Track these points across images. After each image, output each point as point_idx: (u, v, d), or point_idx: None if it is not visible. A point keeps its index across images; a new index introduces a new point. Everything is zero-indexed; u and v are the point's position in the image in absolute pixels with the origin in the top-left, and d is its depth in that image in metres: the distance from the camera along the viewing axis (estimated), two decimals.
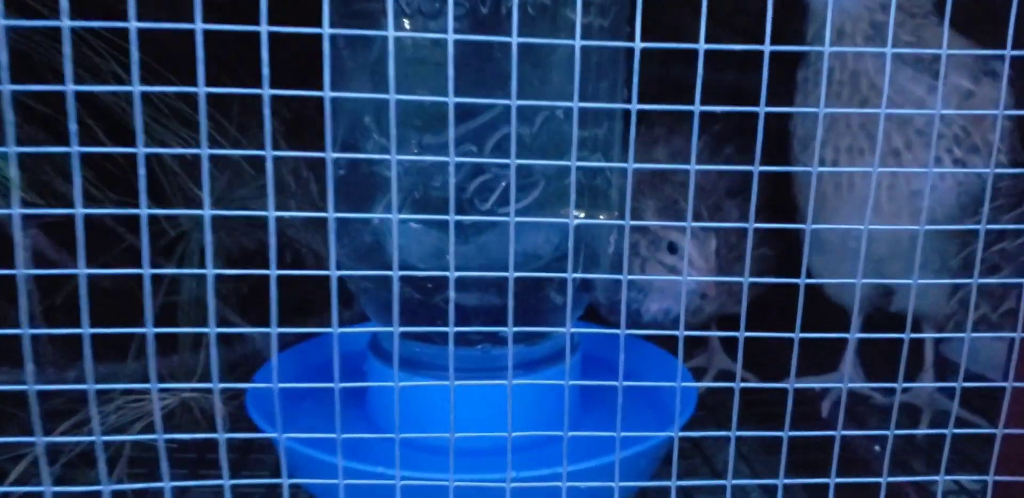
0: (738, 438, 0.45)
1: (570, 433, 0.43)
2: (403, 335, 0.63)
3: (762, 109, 0.38)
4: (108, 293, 0.58)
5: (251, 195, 0.68)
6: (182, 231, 0.66)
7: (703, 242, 0.69)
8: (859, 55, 0.67)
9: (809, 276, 0.80)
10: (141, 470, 0.64)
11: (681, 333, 0.42)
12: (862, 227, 0.40)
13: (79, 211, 0.39)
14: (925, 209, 0.38)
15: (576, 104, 0.39)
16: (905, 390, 0.76)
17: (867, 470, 0.69)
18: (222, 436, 0.43)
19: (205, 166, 0.39)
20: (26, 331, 0.39)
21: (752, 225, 0.40)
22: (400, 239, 0.62)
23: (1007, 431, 0.45)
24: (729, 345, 0.88)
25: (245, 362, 0.74)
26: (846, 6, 0.66)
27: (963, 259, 0.72)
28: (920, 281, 0.42)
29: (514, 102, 0.39)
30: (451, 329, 0.42)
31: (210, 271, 0.41)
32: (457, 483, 0.44)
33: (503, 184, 0.57)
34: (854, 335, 0.41)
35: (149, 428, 0.64)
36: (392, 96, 0.39)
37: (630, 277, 0.43)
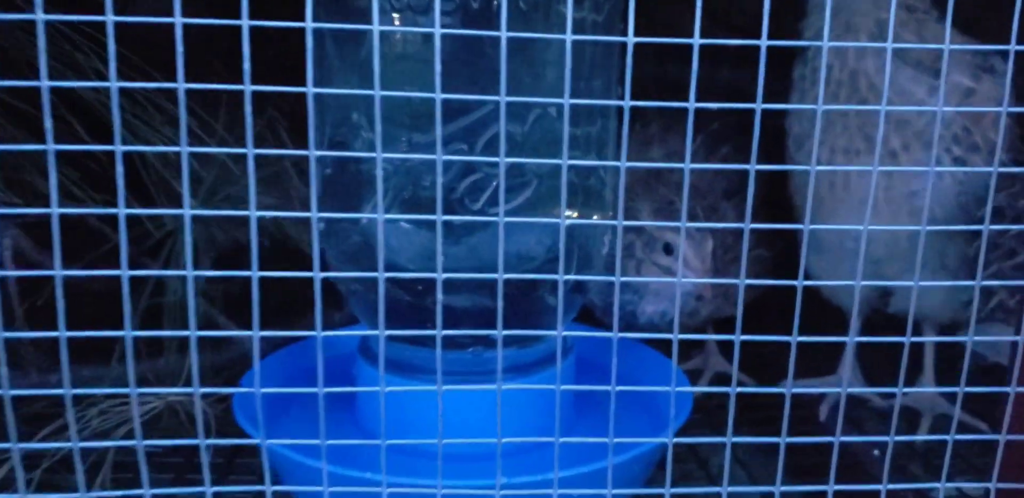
0: (734, 442, 0.44)
1: (561, 439, 0.42)
2: (393, 338, 0.62)
3: (759, 106, 0.37)
4: (94, 294, 0.57)
5: (239, 193, 0.67)
6: (168, 231, 0.65)
7: (699, 243, 0.68)
8: (860, 54, 0.66)
9: (807, 277, 0.79)
10: (127, 475, 0.63)
11: (675, 336, 0.41)
12: (861, 227, 0.39)
13: (55, 211, 0.38)
14: (926, 209, 0.37)
15: (567, 101, 0.38)
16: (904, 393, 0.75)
17: (865, 474, 0.68)
18: (203, 442, 0.42)
19: (185, 164, 0.38)
20: (0, 334, 0.38)
21: (748, 226, 0.38)
22: (391, 239, 0.61)
23: (1010, 437, 0.44)
24: (726, 347, 0.87)
25: (234, 365, 0.73)
26: (853, 2, 0.65)
27: (974, 252, 0.71)
28: (921, 283, 0.41)
29: (503, 98, 0.38)
30: (438, 333, 0.41)
31: (190, 273, 0.40)
32: (445, 490, 0.43)
33: (494, 184, 0.56)
34: (852, 339, 0.40)
35: (134, 433, 0.63)
36: (377, 92, 0.38)
37: (623, 279, 0.42)
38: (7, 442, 0.41)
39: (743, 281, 0.40)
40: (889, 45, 0.37)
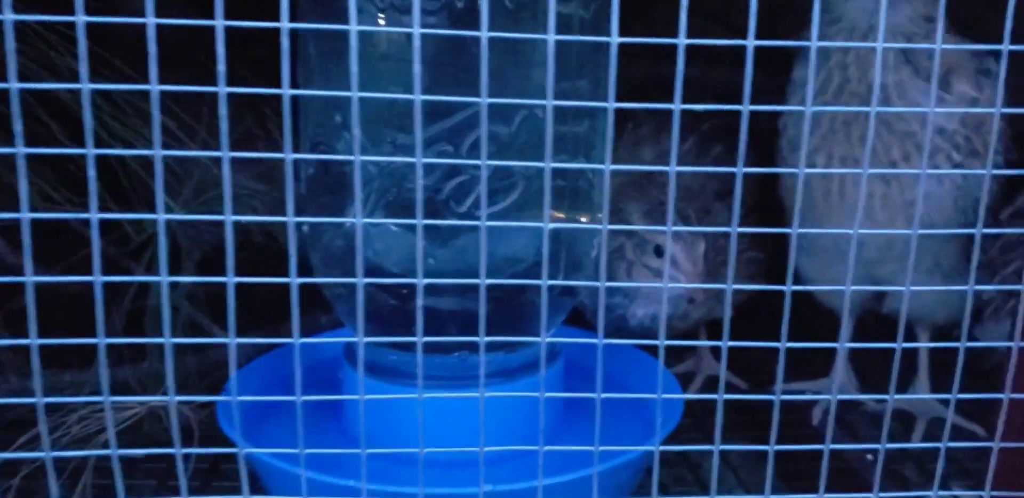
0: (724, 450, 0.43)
1: (546, 447, 0.41)
2: (378, 343, 0.61)
3: (746, 107, 0.36)
4: (76, 298, 0.56)
5: (219, 197, 0.66)
6: (151, 234, 0.64)
7: (691, 245, 0.68)
8: (882, 69, 0.65)
9: (800, 279, 0.78)
10: (108, 481, 0.62)
11: (661, 343, 0.40)
12: (851, 231, 0.38)
13: (25, 216, 0.37)
14: (918, 213, 0.36)
15: (550, 102, 0.37)
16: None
17: (859, 479, 0.67)
18: (178, 452, 0.41)
19: (159, 168, 0.37)
20: None
21: (735, 229, 0.38)
22: (377, 242, 0.60)
23: (1004, 444, 0.43)
24: (718, 350, 0.86)
25: (220, 368, 0.72)
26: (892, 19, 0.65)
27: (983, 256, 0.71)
28: (913, 287, 0.40)
29: (484, 100, 0.37)
30: (419, 339, 0.40)
31: (164, 279, 0.39)
32: None
33: (481, 186, 0.55)
34: (843, 345, 0.39)
35: (116, 438, 0.62)
36: (355, 93, 0.37)
37: (608, 284, 0.41)
38: None
39: (730, 286, 0.39)
40: (880, 45, 0.36)
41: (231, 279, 0.38)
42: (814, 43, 0.35)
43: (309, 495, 0.43)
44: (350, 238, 0.59)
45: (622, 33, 0.36)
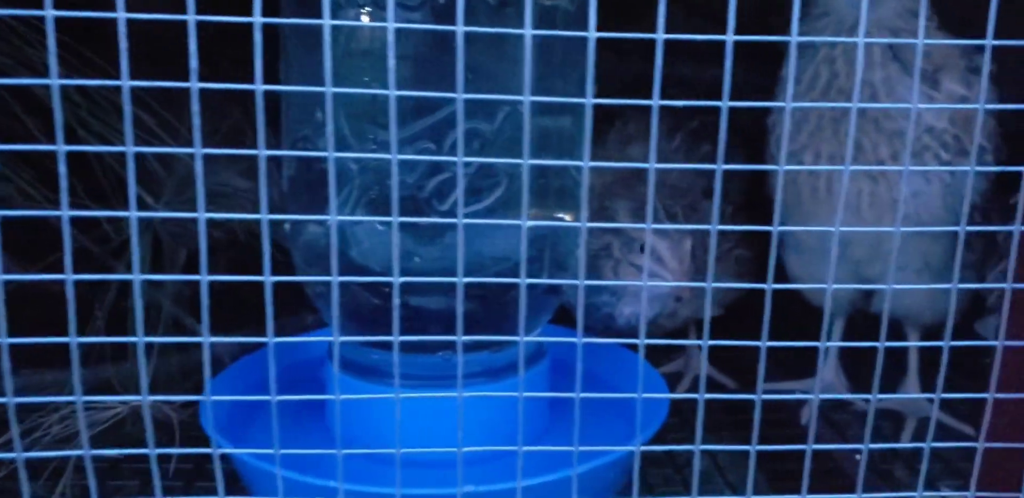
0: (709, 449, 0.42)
1: (524, 448, 0.41)
2: (360, 343, 0.60)
3: (725, 103, 0.36)
4: (57, 298, 0.56)
5: (210, 190, 0.65)
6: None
7: (677, 243, 0.67)
8: (868, 65, 0.65)
9: (790, 278, 0.78)
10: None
11: (642, 342, 0.40)
12: (833, 229, 0.37)
13: None
14: (900, 209, 0.36)
15: (527, 98, 0.37)
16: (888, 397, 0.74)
17: (848, 479, 0.67)
18: (152, 452, 0.40)
19: (131, 164, 0.37)
20: None
21: (715, 227, 0.37)
22: (362, 241, 0.60)
23: (988, 445, 0.42)
24: (708, 349, 0.86)
25: (201, 368, 0.71)
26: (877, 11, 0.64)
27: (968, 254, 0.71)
28: (895, 286, 0.40)
29: (460, 95, 0.37)
30: (396, 338, 0.40)
31: (136, 277, 0.38)
32: None
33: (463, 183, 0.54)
34: (824, 344, 0.39)
35: (97, 439, 0.61)
36: (328, 89, 0.36)
37: (588, 283, 0.40)
38: None
39: (710, 284, 0.38)
40: (861, 40, 0.36)
41: (204, 277, 0.38)
42: (794, 38, 0.35)
43: (288, 495, 0.43)
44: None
45: (617, 29, 0.36)
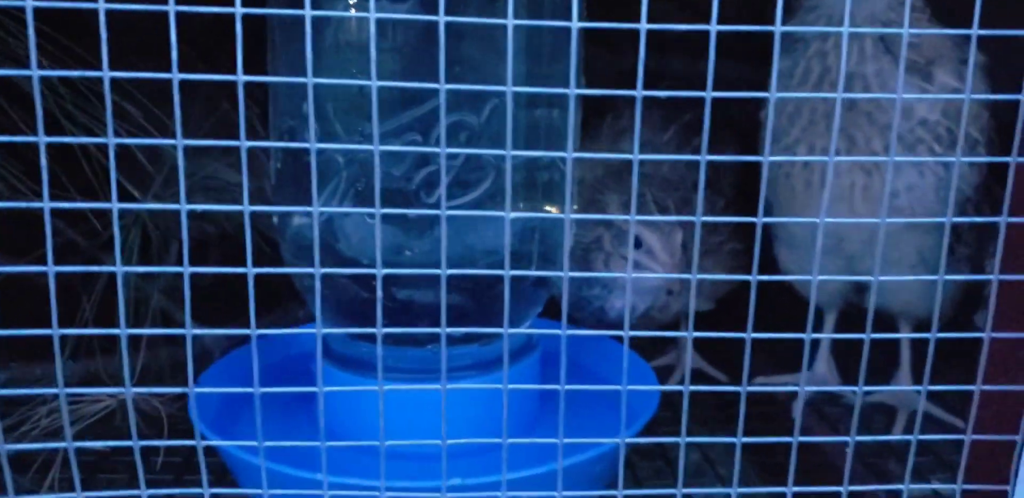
0: (696, 442, 0.42)
1: (509, 440, 0.41)
2: (350, 335, 0.60)
3: (708, 94, 0.35)
4: (47, 291, 0.56)
5: (194, 187, 0.65)
6: (121, 225, 0.63)
7: (668, 236, 0.67)
8: (860, 58, 0.65)
9: (782, 272, 0.77)
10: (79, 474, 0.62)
11: (627, 333, 0.40)
12: (817, 220, 0.37)
13: None
14: (885, 201, 0.36)
15: (510, 89, 0.37)
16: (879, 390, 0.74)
17: (839, 474, 0.67)
18: (136, 444, 0.40)
19: (112, 156, 0.37)
20: None
21: (700, 218, 0.37)
22: (352, 234, 0.60)
23: (975, 437, 0.42)
24: (699, 343, 0.86)
25: (193, 361, 0.71)
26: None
27: (962, 246, 0.70)
28: (882, 278, 0.40)
29: (443, 86, 0.36)
30: (379, 330, 0.40)
31: (119, 269, 0.38)
32: (389, 493, 0.42)
33: (450, 175, 0.54)
34: (810, 335, 0.38)
35: (86, 432, 0.61)
36: (310, 80, 0.36)
37: (572, 274, 0.40)
38: None
39: (695, 276, 0.38)
40: (846, 30, 0.36)
41: (187, 269, 0.38)
42: (778, 28, 0.35)
43: (274, 487, 0.43)
44: (321, 229, 0.58)
45: (591, 16, 0.36)
